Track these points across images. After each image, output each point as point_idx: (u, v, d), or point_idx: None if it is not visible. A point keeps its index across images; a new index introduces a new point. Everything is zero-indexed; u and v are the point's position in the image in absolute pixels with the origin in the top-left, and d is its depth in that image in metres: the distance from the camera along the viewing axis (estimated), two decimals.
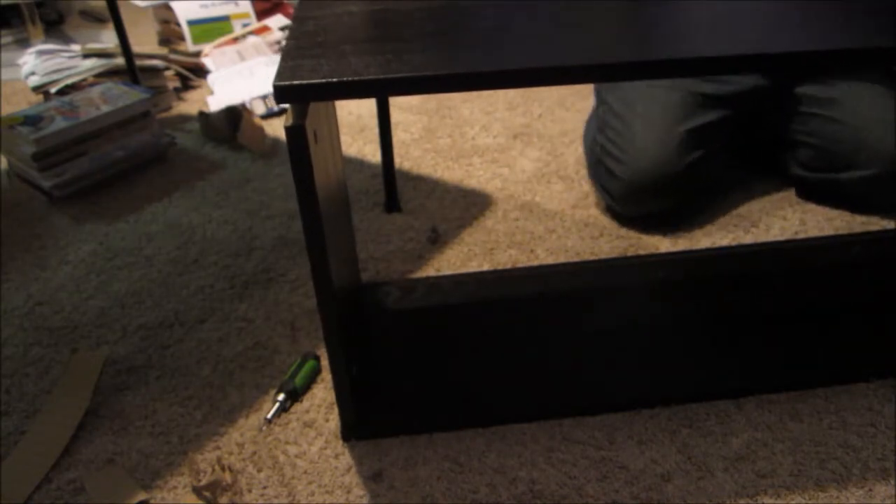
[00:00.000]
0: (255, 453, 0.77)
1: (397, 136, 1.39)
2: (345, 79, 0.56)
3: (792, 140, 1.13)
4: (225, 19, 1.93)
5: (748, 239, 1.05)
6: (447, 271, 1.03)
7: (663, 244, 1.05)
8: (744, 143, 1.20)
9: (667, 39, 0.63)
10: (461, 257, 1.06)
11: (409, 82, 0.57)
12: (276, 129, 1.47)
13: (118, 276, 1.06)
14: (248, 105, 1.52)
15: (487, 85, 0.61)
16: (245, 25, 1.94)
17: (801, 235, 1.05)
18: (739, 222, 1.09)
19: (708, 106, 1.09)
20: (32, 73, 1.61)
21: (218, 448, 0.78)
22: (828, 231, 1.06)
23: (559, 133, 1.38)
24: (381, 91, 0.59)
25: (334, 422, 0.80)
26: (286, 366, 0.87)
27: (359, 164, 1.33)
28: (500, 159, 1.31)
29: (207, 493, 0.71)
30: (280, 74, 0.57)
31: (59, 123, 1.27)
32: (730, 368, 0.83)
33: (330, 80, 0.56)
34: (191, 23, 1.89)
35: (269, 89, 1.56)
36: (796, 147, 1.12)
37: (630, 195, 1.09)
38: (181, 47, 1.90)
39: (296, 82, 0.56)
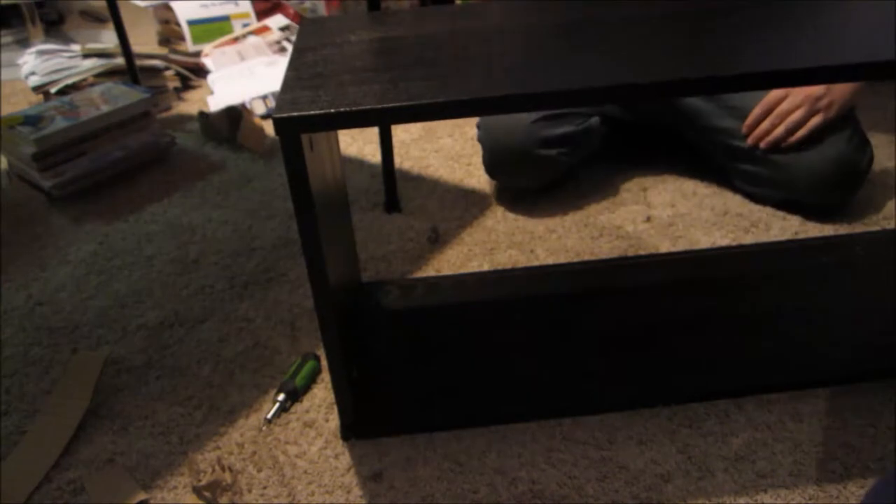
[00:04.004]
0: (255, 453, 0.77)
1: (397, 136, 1.39)
2: (342, 109, 0.57)
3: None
4: (225, 19, 1.93)
5: (748, 239, 1.05)
6: (447, 271, 1.03)
7: (663, 244, 1.05)
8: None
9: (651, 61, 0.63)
10: (461, 257, 1.06)
11: (406, 111, 0.58)
12: None
13: (118, 276, 1.06)
14: (248, 105, 1.52)
15: (483, 111, 0.61)
16: (245, 25, 1.94)
17: (801, 235, 1.05)
18: (739, 222, 1.09)
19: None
20: (32, 73, 1.61)
21: (218, 448, 0.78)
22: (828, 231, 1.06)
23: None
24: (379, 120, 0.59)
25: (334, 422, 0.80)
26: (286, 366, 0.87)
27: (359, 164, 1.33)
28: None
29: (207, 493, 0.71)
30: (280, 107, 0.58)
31: (59, 123, 1.27)
32: (730, 368, 0.83)
33: (328, 111, 0.57)
34: (191, 23, 1.89)
35: (269, 89, 1.56)
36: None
37: (491, 166, 1.17)
38: (181, 47, 1.90)
39: (294, 114, 0.57)
